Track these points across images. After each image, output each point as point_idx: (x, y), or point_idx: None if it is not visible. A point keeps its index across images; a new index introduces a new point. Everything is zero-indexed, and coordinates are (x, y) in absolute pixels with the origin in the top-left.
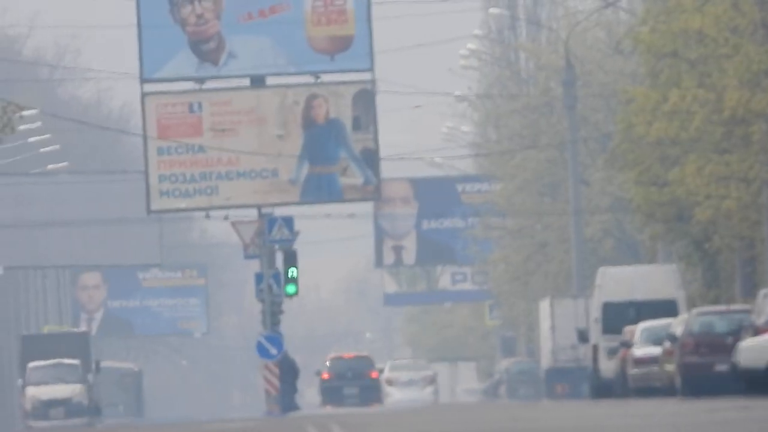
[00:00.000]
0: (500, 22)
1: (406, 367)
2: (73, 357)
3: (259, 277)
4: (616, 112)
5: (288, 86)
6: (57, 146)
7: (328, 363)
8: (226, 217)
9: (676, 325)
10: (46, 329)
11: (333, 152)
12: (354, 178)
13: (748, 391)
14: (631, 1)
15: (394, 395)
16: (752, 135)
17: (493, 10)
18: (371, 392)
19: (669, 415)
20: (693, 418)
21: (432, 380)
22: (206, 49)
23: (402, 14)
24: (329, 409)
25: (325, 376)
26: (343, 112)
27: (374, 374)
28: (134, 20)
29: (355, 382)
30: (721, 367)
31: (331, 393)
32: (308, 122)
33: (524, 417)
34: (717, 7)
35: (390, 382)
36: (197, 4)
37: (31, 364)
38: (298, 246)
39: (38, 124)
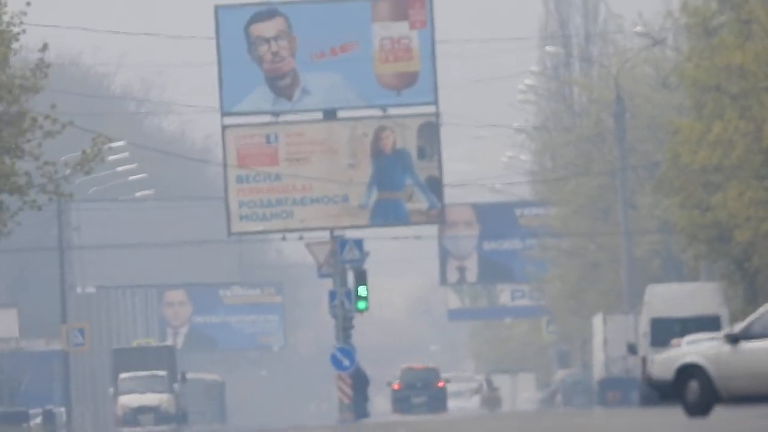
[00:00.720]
0: (555, 59)
1: (454, 379)
2: (161, 369)
3: (332, 295)
4: (662, 142)
5: (357, 119)
6: (144, 175)
7: (399, 373)
8: (300, 239)
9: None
10: (135, 343)
11: (400, 180)
12: (419, 203)
13: (660, 402)
14: (676, 39)
15: (403, 411)
16: None
17: (548, 48)
18: (438, 401)
19: (720, 420)
20: (743, 424)
21: (477, 390)
22: (281, 85)
23: (464, 52)
24: (397, 417)
25: (396, 386)
26: (409, 142)
27: (441, 384)
28: (215, 58)
29: (423, 392)
30: None
31: (401, 402)
32: (377, 152)
33: (580, 423)
34: (757, 44)
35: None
36: (273, 44)
37: (122, 375)
38: (367, 265)
39: (126, 154)
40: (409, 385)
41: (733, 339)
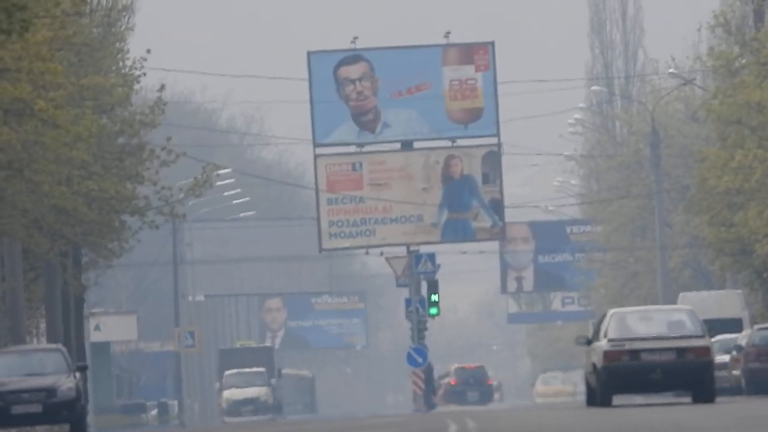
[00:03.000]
0: (600, 96)
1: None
2: (260, 366)
3: (408, 302)
4: (692, 168)
5: (431, 149)
6: (247, 198)
7: (453, 371)
8: (381, 254)
9: (742, 339)
10: (238, 344)
11: (467, 202)
12: (484, 222)
13: None
14: (704, 79)
15: (461, 403)
16: None
17: (594, 88)
18: (487, 396)
19: (753, 410)
20: None
21: (498, 388)
22: (365, 120)
23: (521, 91)
24: (455, 408)
25: (453, 382)
26: (475, 169)
27: (489, 381)
28: (308, 96)
29: (476, 387)
30: None
31: (456, 395)
32: (447, 178)
33: (625, 413)
34: (763, 89)
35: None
36: (358, 84)
37: (227, 372)
38: (439, 276)
39: (231, 180)
40: (463, 381)
41: (587, 342)
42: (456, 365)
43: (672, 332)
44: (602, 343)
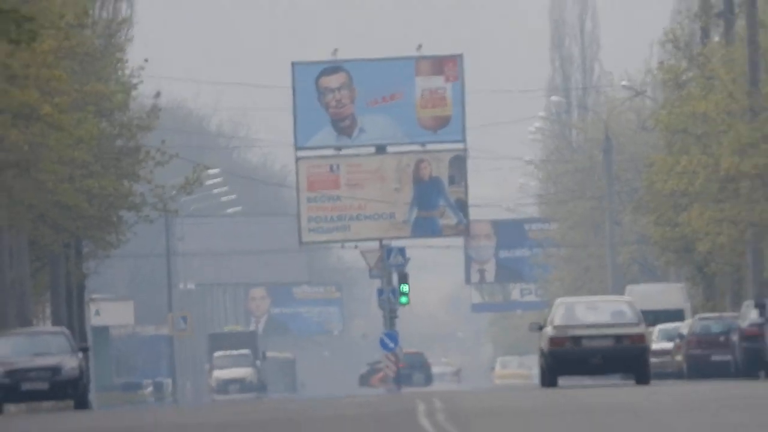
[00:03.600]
0: (558, 106)
1: (437, 364)
2: (246, 349)
3: (380, 291)
4: (641, 172)
5: (402, 153)
6: (234, 196)
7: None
8: (356, 247)
9: (684, 328)
10: (226, 329)
11: (435, 201)
12: (450, 219)
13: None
14: (654, 91)
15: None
16: (740, 189)
17: (553, 98)
18: (429, 378)
19: (704, 390)
20: (714, 393)
21: (456, 373)
22: (343, 125)
23: (486, 100)
24: (412, 389)
25: (401, 365)
26: (443, 172)
27: (428, 364)
28: (291, 103)
29: (421, 371)
30: (716, 358)
31: (404, 378)
32: (417, 179)
33: (576, 393)
34: (717, 96)
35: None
36: (337, 93)
37: (216, 354)
38: (408, 269)
39: (220, 179)
40: (409, 365)
41: (539, 328)
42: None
43: (612, 320)
44: (549, 330)
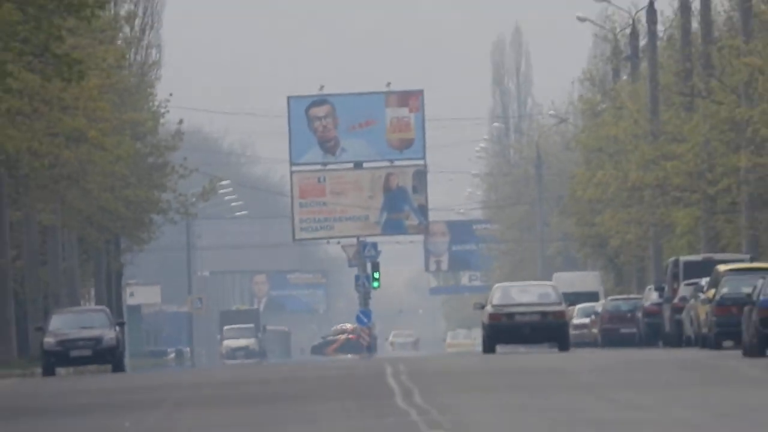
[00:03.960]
0: (499, 131)
1: (400, 336)
2: (250, 323)
3: (357, 278)
4: (565, 184)
5: (375, 168)
6: (241, 202)
7: (350, 330)
8: (338, 243)
9: (598, 307)
10: (234, 307)
11: (401, 206)
12: (413, 221)
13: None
14: (575, 119)
15: (394, 351)
16: (644, 197)
17: (495, 124)
18: (374, 348)
19: (613, 355)
20: (621, 357)
21: (415, 343)
22: (328, 146)
23: (442, 126)
24: (351, 356)
25: (353, 337)
26: (407, 183)
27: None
28: (287, 128)
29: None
30: (624, 330)
31: (354, 347)
32: (386, 189)
33: (510, 359)
34: (625, 122)
35: (392, 344)
36: (323, 120)
37: (226, 327)
38: (379, 260)
39: (230, 189)
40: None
41: (481, 306)
42: (351, 326)
43: (538, 300)
44: (489, 308)
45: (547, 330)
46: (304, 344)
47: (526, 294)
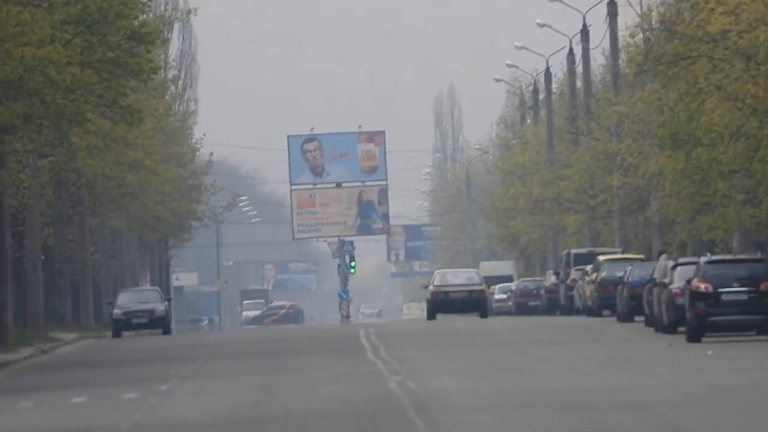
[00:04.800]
0: (439, 159)
1: (368, 307)
2: (261, 299)
3: (338, 266)
4: (488, 197)
5: (351, 187)
6: (255, 211)
7: (288, 306)
8: (325, 241)
9: (513, 286)
10: (251, 287)
11: (370, 214)
12: (379, 225)
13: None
14: (494, 151)
15: (364, 319)
16: (545, 207)
17: (437, 155)
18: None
19: (523, 321)
20: (529, 323)
21: (379, 313)
22: (317, 171)
23: (398, 156)
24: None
25: (291, 311)
26: (374, 198)
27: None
28: (287, 158)
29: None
30: (531, 303)
31: (293, 318)
32: (360, 202)
33: (453, 324)
34: (529, 153)
35: (362, 314)
36: (313, 153)
37: (245, 302)
38: (355, 253)
39: (247, 202)
40: (297, 311)
41: (426, 287)
42: (289, 303)
43: (466, 282)
44: (431, 287)
45: (472, 303)
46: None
47: (457, 277)
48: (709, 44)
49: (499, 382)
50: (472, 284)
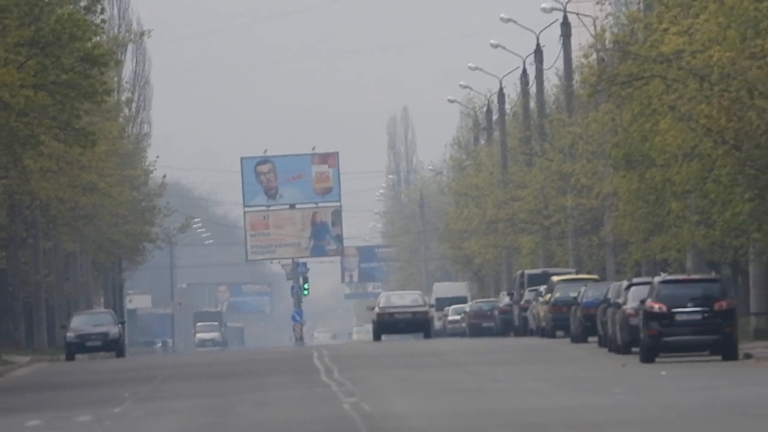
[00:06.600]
0: (393, 181)
1: (322, 331)
2: (215, 321)
3: (292, 287)
4: (442, 218)
5: (305, 208)
6: (209, 233)
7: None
8: (279, 262)
9: (466, 307)
10: (204, 309)
11: (323, 236)
12: (332, 246)
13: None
14: (448, 172)
15: (318, 341)
16: (498, 228)
17: (390, 176)
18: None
19: (477, 342)
20: (483, 344)
21: (335, 336)
22: (270, 192)
23: (352, 177)
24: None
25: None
26: (328, 219)
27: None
28: (240, 180)
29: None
30: (485, 324)
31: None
32: (313, 223)
33: (407, 345)
34: (483, 174)
35: (316, 337)
36: (267, 175)
37: (198, 324)
38: (308, 274)
39: (200, 224)
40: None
41: (372, 308)
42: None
43: (410, 304)
44: (377, 309)
45: (416, 324)
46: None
47: (402, 299)
48: (662, 64)
49: (454, 403)
50: (417, 306)
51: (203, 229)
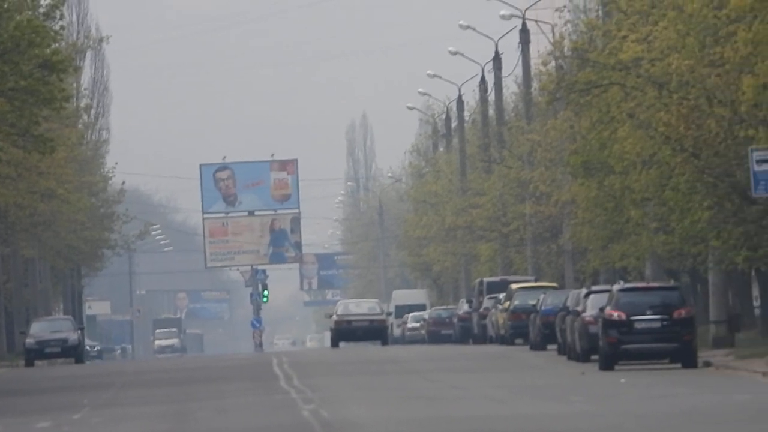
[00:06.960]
0: (352, 188)
1: (281, 338)
2: (174, 327)
3: (251, 294)
4: (400, 226)
5: (264, 215)
6: (168, 240)
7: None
8: (238, 269)
9: (426, 314)
10: (163, 316)
11: (282, 243)
12: (291, 253)
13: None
14: (407, 179)
15: (276, 348)
16: (457, 235)
17: (349, 183)
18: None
19: (436, 349)
20: (442, 351)
21: (294, 343)
22: (230, 199)
23: (311, 185)
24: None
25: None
26: (287, 226)
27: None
28: (200, 187)
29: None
30: (444, 332)
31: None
32: (272, 230)
33: (371, 352)
34: (442, 181)
35: (275, 344)
36: (226, 182)
37: (157, 330)
38: (267, 281)
39: (160, 231)
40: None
41: (331, 315)
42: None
43: (368, 312)
44: (334, 317)
45: (373, 331)
46: (214, 342)
47: (359, 307)
48: (621, 72)
49: (412, 410)
50: (374, 314)
51: (162, 236)
